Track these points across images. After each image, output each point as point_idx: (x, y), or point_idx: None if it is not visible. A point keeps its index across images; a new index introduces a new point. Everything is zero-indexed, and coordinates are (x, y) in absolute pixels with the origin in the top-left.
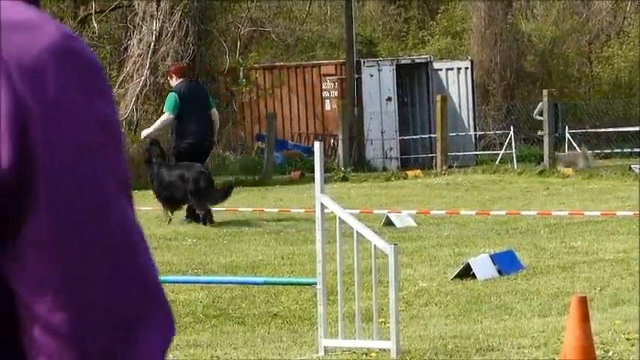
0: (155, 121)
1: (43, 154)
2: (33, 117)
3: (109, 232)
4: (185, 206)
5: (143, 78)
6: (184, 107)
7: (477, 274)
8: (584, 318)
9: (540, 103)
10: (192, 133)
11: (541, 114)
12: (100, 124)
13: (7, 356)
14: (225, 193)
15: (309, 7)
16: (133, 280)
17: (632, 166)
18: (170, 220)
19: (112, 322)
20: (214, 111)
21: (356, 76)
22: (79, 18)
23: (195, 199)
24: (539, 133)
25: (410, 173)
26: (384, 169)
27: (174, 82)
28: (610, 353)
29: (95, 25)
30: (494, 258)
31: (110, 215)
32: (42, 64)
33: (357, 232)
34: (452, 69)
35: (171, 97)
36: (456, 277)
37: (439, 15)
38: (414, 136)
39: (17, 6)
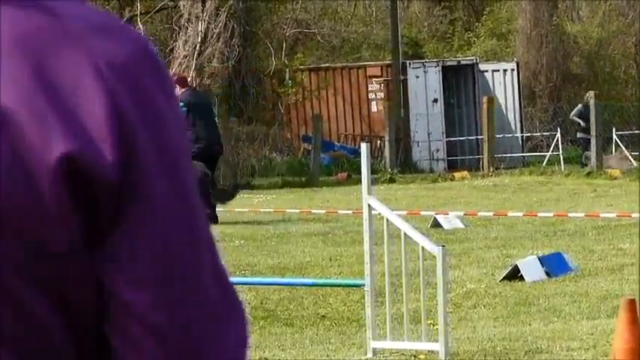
0: None
1: (141, 155)
2: (130, 119)
3: (198, 232)
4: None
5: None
6: (192, 115)
7: (525, 276)
8: (634, 320)
9: (579, 105)
10: (203, 138)
11: (579, 115)
12: (180, 125)
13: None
14: (231, 193)
15: (354, 9)
16: (216, 279)
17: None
18: None
19: (203, 321)
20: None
21: (402, 77)
22: (125, 19)
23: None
24: (579, 135)
25: (457, 175)
26: (431, 170)
27: (178, 91)
28: None
29: (140, 26)
30: (543, 260)
31: (197, 215)
32: (131, 66)
33: (405, 233)
34: (498, 70)
35: None
36: (504, 278)
37: (484, 16)
38: (461, 138)
39: (81, 6)
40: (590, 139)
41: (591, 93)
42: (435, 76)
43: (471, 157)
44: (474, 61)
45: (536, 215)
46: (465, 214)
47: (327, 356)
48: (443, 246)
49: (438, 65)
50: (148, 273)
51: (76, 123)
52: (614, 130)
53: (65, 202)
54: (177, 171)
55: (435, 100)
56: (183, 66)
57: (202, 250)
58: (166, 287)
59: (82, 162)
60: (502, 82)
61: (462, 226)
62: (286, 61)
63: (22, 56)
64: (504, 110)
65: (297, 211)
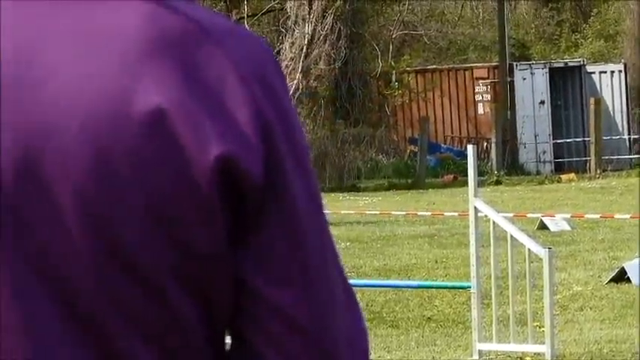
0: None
1: (279, 155)
2: (269, 118)
3: (327, 230)
4: None
5: (295, 82)
6: None
7: (632, 279)
8: None
9: None
10: None
11: None
12: (300, 126)
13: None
14: None
15: (461, 10)
16: (340, 275)
17: None
18: None
19: (337, 317)
20: None
21: (509, 79)
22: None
23: None
24: None
25: (564, 177)
26: (538, 172)
27: None
28: None
29: (247, 28)
30: None
31: (323, 214)
32: (263, 68)
33: (511, 235)
34: (605, 72)
35: None
36: (610, 281)
37: (592, 18)
38: (568, 140)
39: (203, 10)
40: None
41: None
42: (542, 77)
43: (577, 159)
44: (581, 62)
45: None
46: (571, 217)
47: (433, 358)
48: (549, 248)
49: (545, 67)
50: (289, 271)
51: (227, 124)
52: None
53: (217, 203)
54: (307, 170)
55: (542, 102)
56: (290, 68)
57: (330, 247)
58: (307, 285)
59: (234, 163)
60: (609, 83)
61: (569, 228)
62: (393, 62)
63: (169, 56)
64: (611, 112)
65: (403, 213)
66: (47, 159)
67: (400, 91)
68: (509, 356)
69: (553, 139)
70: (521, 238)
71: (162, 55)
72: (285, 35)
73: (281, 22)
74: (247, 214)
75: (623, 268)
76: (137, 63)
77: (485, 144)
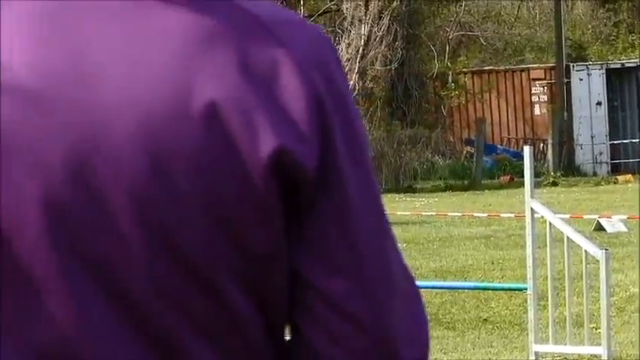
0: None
1: (335, 144)
2: (327, 107)
3: (384, 219)
4: None
5: (352, 83)
6: None
7: None
8: None
9: None
10: None
11: None
12: (359, 112)
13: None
14: None
15: (517, 11)
16: (402, 265)
17: None
18: None
19: (397, 307)
20: None
21: (565, 80)
22: None
23: None
24: None
25: (620, 178)
26: (594, 173)
27: None
28: None
29: None
30: None
31: (380, 203)
32: (322, 56)
33: (568, 237)
34: None
35: None
36: None
37: None
38: (624, 141)
39: (262, 2)
40: None
41: None
42: (598, 78)
43: (634, 160)
44: (638, 63)
45: None
46: (628, 218)
47: (489, 359)
48: (606, 249)
49: (602, 68)
50: (344, 261)
51: (282, 115)
52: None
53: (274, 198)
54: (364, 158)
55: (599, 103)
56: (346, 69)
57: (388, 236)
58: (363, 275)
59: (290, 156)
60: None
61: (626, 229)
62: (449, 63)
63: (223, 49)
64: None
65: (460, 214)
66: (100, 160)
67: (456, 92)
68: (566, 358)
69: (610, 140)
70: (578, 239)
71: (216, 49)
72: (342, 36)
73: (337, 23)
74: (301, 207)
75: None
76: (191, 59)
77: (541, 145)
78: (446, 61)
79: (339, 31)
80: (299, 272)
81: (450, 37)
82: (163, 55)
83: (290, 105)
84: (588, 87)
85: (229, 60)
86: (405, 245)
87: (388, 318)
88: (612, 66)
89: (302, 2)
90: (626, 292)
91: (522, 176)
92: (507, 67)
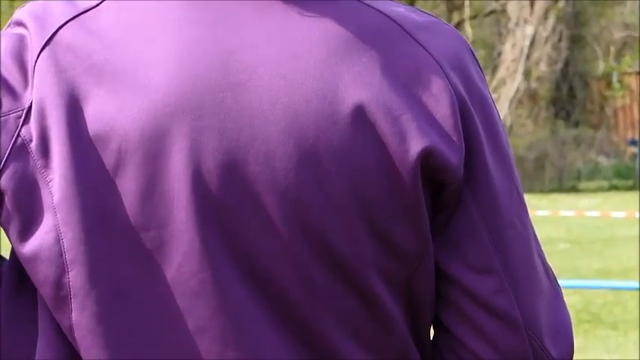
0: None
1: (477, 142)
2: (467, 107)
3: (527, 217)
4: None
5: (516, 83)
6: None
7: None
8: None
9: None
10: None
11: None
12: (496, 109)
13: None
14: None
15: None
16: (544, 262)
17: None
18: None
19: (541, 303)
20: None
21: None
22: (453, 23)
23: None
24: None
25: None
26: None
27: None
28: None
29: (469, 29)
30: None
31: (523, 198)
32: (460, 59)
33: None
34: None
35: None
36: None
37: None
38: None
39: (399, 6)
40: None
41: None
42: None
43: None
44: None
45: None
46: None
47: None
48: None
49: None
50: (491, 260)
51: (427, 117)
52: None
53: (421, 198)
54: (506, 157)
55: None
56: (511, 70)
57: (531, 234)
58: (509, 273)
59: (436, 157)
60: None
61: None
62: (614, 64)
63: (367, 53)
64: None
65: (624, 214)
66: (251, 159)
67: (621, 93)
68: None
69: None
70: None
71: (360, 53)
72: (507, 37)
73: (502, 23)
74: (448, 206)
75: None
76: (336, 62)
77: None
78: (611, 61)
79: (504, 31)
80: (445, 271)
81: (615, 38)
82: (309, 58)
83: (434, 106)
84: None
85: (373, 63)
86: (568, 245)
87: (535, 315)
88: None
89: (468, 2)
90: None
91: None
92: None
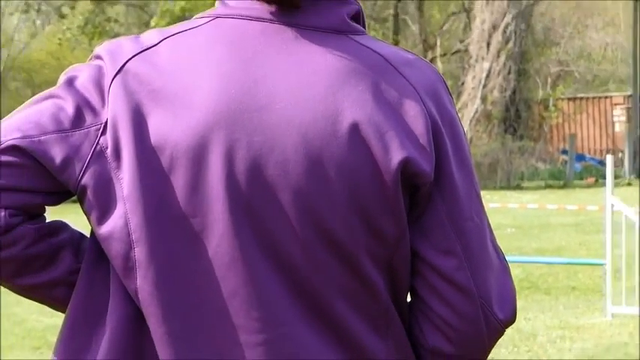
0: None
1: (445, 154)
2: (437, 127)
3: (482, 210)
4: None
5: (475, 106)
6: None
7: None
8: None
9: None
10: None
11: None
12: (463, 130)
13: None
14: None
15: (604, 51)
16: (494, 245)
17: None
18: None
19: (492, 277)
20: None
21: (639, 105)
22: (428, 59)
23: None
24: None
25: None
26: None
27: None
28: None
29: (440, 64)
30: None
31: (479, 196)
32: (434, 88)
33: (638, 224)
34: None
35: None
36: None
37: None
38: None
39: (388, 46)
40: None
41: None
42: None
43: None
44: None
45: None
46: None
47: (576, 318)
48: None
49: None
50: (453, 244)
51: (407, 134)
52: None
53: (400, 197)
54: (468, 164)
55: None
56: (471, 96)
57: (485, 225)
58: (467, 254)
59: (413, 165)
60: None
61: None
62: (550, 92)
63: (362, 82)
64: None
65: (556, 207)
66: (270, 165)
67: (556, 114)
68: (634, 316)
69: None
70: None
71: (356, 82)
72: (468, 70)
73: (465, 60)
74: (419, 202)
75: None
76: (338, 90)
77: (619, 154)
78: (548, 89)
79: (467, 66)
80: (418, 252)
81: (552, 72)
82: (316, 87)
83: (412, 126)
84: None
85: (366, 91)
86: (514, 230)
87: (486, 287)
88: None
89: (438, 44)
90: None
91: (604, 178)
92: (594, 95)
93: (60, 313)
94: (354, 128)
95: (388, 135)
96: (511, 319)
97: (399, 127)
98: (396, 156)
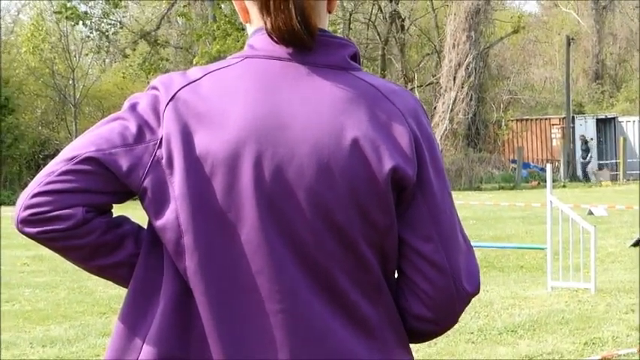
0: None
1: (424, 163)
2: (419, 142)
3: (452, 204)
4: None
5: (444, 125)
6: None
7: None
8: None
9: None
10: None
11: None
12: (437, 144)
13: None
14: None
15: (544, 83)
16: (462, 232)
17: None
18: None
19: (461, 258)
20: None
21: (571, 125)
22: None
23: None
24: None
25: (603, 183)
26: (588, 180)
27: None
28: None
29: (418, 93)
30: None
31: (450, 194)
32: (415, 111)
33: (572, 218)
34: (630, 121)
35: None
36: (631, 245)
37: (622, 89)
38: (607, 161)
39: (377, 78)
40: None
41: None
42: (591, 124)
43: (612, 172)
44: (615, 116)
45: None
46: (608, 207)
47: (524, 290)
48: (594, 226)
49: (593, 118)
50: (431, 232)
51: (395, 147)
52: None
53: (390, 195)
54: (441, 172)
55: (592, 139)
56: (441, 117)
57: (454, 215)
58: (442, 239)
59: (400, 171)
60: (632, 128)
61: (606, 214)
62: (503, 114)
63: (360, 107)
64: (632, 145)
65: (507, 204)
66: (290, 171)
67: (507, 132)
68: (569, 289)
69: (598, 161)
70: (578, 219)
71: (355, 107)
72: (439, 98)
73: (436, 90)
74: (405, 199)
75: (639, 238)
76: (340, 114)
77: (556, 163)
78: (501, 113)
79: (438, 94)
80: (404, 238)
81: (504, 99)
82: (324, 111)
83: (399, 140)
84: (585, 129)
85: (363, 114)
86: (475, 222)
87: (457, 265)
88: (600, 117)
89: (415, 77)
90: (605, 251)
91: (545, 182)
92: (537, 117)
93: (122, 288)
94: (354, 143)
95: (381, 148)
96: (477, 291)
97: (389, 142)
98: (387, 164)
